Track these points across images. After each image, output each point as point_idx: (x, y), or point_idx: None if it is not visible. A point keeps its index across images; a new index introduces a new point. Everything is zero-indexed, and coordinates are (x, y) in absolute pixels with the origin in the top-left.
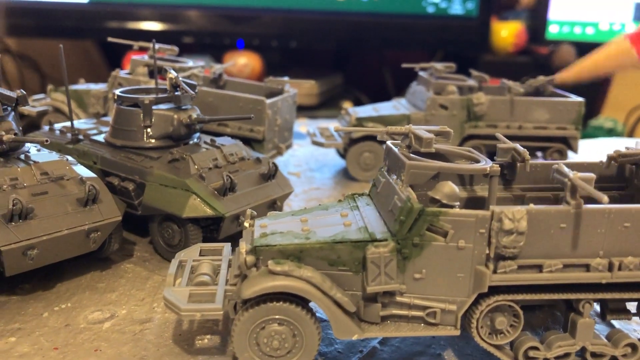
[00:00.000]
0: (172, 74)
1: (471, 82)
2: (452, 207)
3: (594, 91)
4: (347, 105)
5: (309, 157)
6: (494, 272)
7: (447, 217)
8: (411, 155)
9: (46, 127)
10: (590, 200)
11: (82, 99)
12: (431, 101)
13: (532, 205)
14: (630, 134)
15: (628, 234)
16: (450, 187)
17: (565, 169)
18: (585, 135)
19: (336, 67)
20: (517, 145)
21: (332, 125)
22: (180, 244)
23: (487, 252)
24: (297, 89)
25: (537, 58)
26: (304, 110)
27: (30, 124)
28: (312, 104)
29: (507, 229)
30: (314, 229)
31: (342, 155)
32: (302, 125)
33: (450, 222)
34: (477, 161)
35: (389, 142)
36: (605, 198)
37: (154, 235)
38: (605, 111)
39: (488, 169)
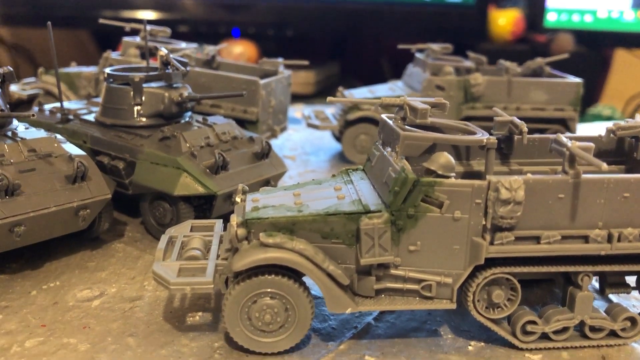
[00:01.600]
0: (163, 51)
1: (468, 64)
2: (447, 177)
3: (593, 79)
4: None
5: (304, 141)
6: (491, 243)
7: (443, 188)
8: (406, 127)
9: (36, 108)
10: (590, 172)
11: (73, 81)
12: (427, 82)
13: (529, 175)
14: None
15: (628, 205)
16: (445, 158)
17: (564, 139)
18: (583, 123)
19: (333, 56)
20: (514, 118)
21: (328, 109)
22: (171, 223)
23: (484, 223)
24: (293, 78)
25: (535, 46)
26: (300, 99)
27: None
28: (308, 92)
29: (504, 198)
30: (306, 202)
31: (338, 138)
32: (298, 111)
33: (446, 193)
34: (474, 134)
35: (383, 116)
36: (605, 165)
37: (145, 214)
38: (604, 99)
39: (485, 140)
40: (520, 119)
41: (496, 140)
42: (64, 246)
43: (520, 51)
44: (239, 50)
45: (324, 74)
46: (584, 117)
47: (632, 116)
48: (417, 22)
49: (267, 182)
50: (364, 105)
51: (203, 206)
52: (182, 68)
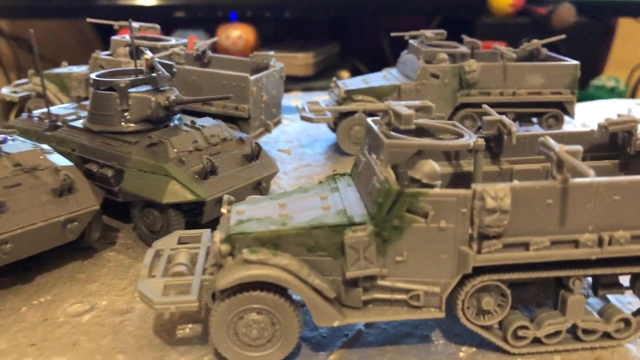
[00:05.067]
0: (148, 54)
1: (463, 49)
2: (432, 186)
3: (596, 49)
4: (344, 74)
5: (300, 132)
6: (478, 252)
7: (427, 198)
8: (391, 133)
9: (24, 114)
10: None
11: (64, 82)
12: (422, 70)
13: (516, 182)
14: (633, 93)
15: (618, 208)
16: (430, 166)
17: (551, 142)
18: (587, 96)
19: (332, 36)
20: (504, 117)
21: (322, 99)
22: (162, 230)
23: (470, 232)
24: (291, 60)
25: (536, 19)
26: (299, 81)
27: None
28: (307, 74)
29: (490, 207)
30: (291, 214)
31: (334, 129)
32: (295, 99)
33: (431, 203)
34: (461, 136)
35: (369, 120)
36: (592, 172)
37: (136, 222)
38: (608, 69)
39: (471, 144)
40: (517, 104)
41: (484, 143)
42: (55, 257)
43: (521, 24)
44: (236, 34)
45: (323, 54)
46: (587, 90)
47: (636, 86)
48: None
49: (258, 184)
50: (358, 99)
51: (194, 211)
52: (166, 73)
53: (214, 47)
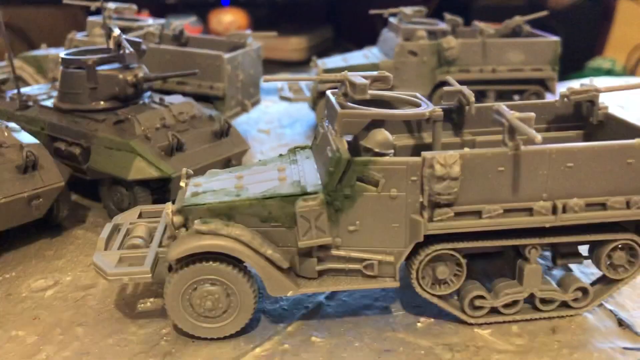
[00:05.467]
0: (116, 32)
1: (443, 27)
2: (384, 155)
3: (594, 31)
4: None
5: (282, 113)
6: (430, 220)
7: (377, 166)
8: (347, 103)
9: None
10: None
11: (41, 64)
12: (400, 48)
13: (466, 149)
14: (632, 74)
15: (572, 175)
16: (382, 135)
17: (504, 109)
18: (583, 77)
19: (327, 20)
20: (464, 88)
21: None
22: (130, 207)
23: (421, 200)
24: (284, 44)
25: (532, 0)
26: (292, 66)
27: None
28: (300, 58)
29: (439, 175)
30: (247, 186)
31: (314, 109)
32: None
33: (381, 171)
34: (420, 106)
35: (328, 91)
36: (539, 137)
37: (104, 199)
38: (608, 51)
39: (427, 113)
40: (497, 81)
41: (441, 113)
42: (23, 235)
43: (518, 6)
44: (228, 18)
45: (316, 38)
46: (583, 72)
47: (634, 68)
48: None
49: (228, 161)
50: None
51: (163, 188)
52: (130, 49)
53: (207, 32)
